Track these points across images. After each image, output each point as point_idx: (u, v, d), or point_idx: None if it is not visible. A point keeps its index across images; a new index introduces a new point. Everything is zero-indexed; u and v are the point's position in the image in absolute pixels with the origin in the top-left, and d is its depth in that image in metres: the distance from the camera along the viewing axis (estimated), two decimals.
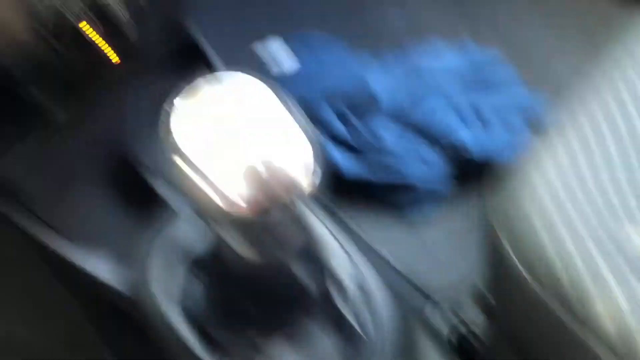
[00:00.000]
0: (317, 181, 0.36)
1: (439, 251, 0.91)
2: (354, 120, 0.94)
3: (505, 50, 1.05)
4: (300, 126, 0.37)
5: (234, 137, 0.35)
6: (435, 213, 0.94)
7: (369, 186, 0.93)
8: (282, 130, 0.36)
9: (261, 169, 0.35)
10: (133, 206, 0.61)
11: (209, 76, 0.37)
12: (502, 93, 0.99)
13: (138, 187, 0.60)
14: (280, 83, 1.06)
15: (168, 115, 0.36)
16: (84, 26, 0.44)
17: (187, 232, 0.53)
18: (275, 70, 1.05)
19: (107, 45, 0.46)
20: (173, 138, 0.35)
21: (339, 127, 0.94)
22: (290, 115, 0.37)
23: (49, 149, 0.58)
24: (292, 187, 0.36)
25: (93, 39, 0.45)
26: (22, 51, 0.45)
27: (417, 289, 0.80)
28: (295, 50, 1.06)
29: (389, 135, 0.93)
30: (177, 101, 0.37)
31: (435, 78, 0.97)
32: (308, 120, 0.38)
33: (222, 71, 0.39)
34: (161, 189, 0.59)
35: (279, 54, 1.06)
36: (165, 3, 0.57)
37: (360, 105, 0.94)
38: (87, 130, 0.61)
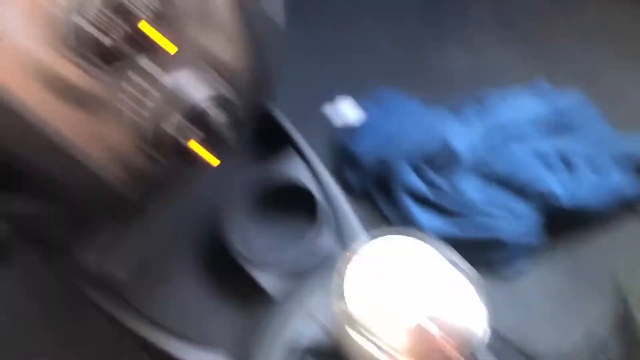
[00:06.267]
0: (487, 340, 0.35)
1: (536, 307, 0.86)
2: (433, 176, 0.91)
3: (586, 89, 1.01)
4: (470, 284, 0.37)
5: (403, 298, 0.35)
6: (527, 266, 0.89)
7: (456, 245, 0.89)
8: (450, 288, 0.36)
9: (432, 328, 0.34)
10: (231, 295, 0.59)
11: (373, 239, 0.38)
12: (588, 136, 0.94)
13: (234, 276, 0.59)
14: (344, 134, 1.03)
15: (341, 281, 0.36)
16: (186, 138, 0.44)
17: (296, 327, 0.51)
18: (338, 123, 1.05)
19: (206, 150, 0.46)
20: (347, 307, 0.36)
21: (419, 185, 0.91)
22: (458, 273, 0.37)
23: (143, 240, 0.58)
24: (464, 345, 0.34)
25: (193, 149, 0.45)
26: (124, 164, 0.46)
27: (525, 354, 0.75)
28: (364, 106, 1.05)
29: (472, 189, 0.89)
30: (348, 267, 0.37)
31: (518, 129, 0.93)
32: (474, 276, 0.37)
33: (384, 234, 0.39)
34: (261, 278, 0.57)
35: (345, 109, 1.05)
36: (259, 95, 0.56)
37: (439, 161, 0.92)
38: (178, 218, 0.60)
